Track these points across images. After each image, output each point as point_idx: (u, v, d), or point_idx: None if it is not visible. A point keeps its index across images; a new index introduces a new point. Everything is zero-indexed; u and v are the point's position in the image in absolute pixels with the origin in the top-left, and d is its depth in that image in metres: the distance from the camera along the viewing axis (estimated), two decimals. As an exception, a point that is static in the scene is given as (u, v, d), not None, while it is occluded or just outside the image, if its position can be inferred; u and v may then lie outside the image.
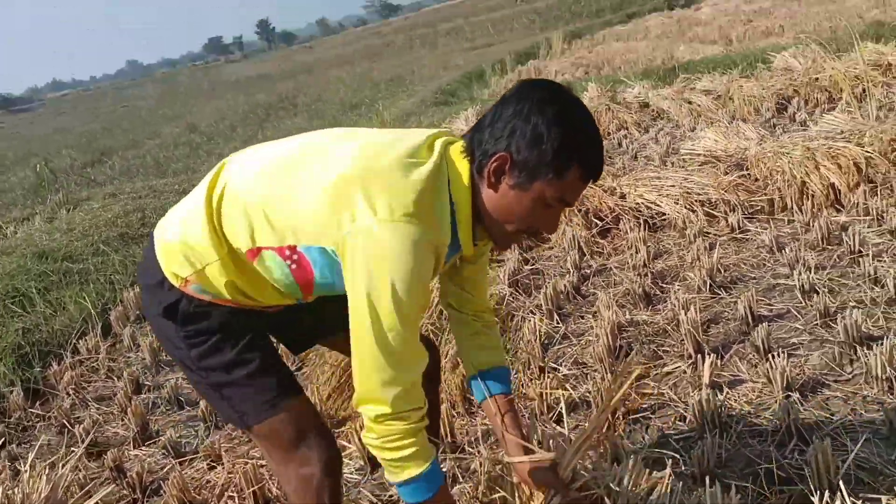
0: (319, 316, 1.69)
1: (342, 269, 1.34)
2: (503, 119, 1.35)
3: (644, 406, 2.56)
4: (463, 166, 1.39)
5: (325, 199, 1.34)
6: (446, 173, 1.38)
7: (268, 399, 1.51)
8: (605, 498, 1.64)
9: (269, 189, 1.41)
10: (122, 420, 3.19)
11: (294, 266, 1.41)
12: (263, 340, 1.58)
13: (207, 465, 2.69)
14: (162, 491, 2.52)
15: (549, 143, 1.32)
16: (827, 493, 1.78)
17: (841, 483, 1.76)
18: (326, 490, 1.52)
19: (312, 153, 1.44)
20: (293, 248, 1.39)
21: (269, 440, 1.55)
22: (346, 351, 1.91)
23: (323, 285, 1.45)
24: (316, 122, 13.84)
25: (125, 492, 2.61)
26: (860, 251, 3.30)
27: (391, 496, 2.33)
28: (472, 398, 2.77)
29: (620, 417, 2.50)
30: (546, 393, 2.62)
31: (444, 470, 1.47)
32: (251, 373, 1.50)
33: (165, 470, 2.72)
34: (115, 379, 3.61)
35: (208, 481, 2.60)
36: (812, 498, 1.74)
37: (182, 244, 1.45)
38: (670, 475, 1.73)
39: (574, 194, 1.41)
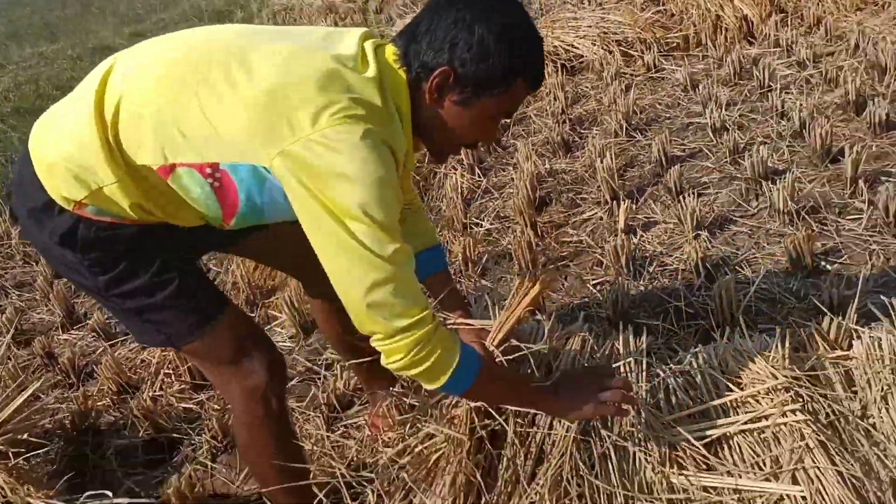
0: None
1: (284, 191, 1.21)
2: (442, 28, 1.25)
3: (563, 254, 2.65)
4: (400, 77, 1.28)
5: (254, 112, 1.18)
6: (388, 84, 1.27)
7: (195, 318, 1.42)
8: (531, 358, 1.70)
9: (180, 99, 1.23)
10: (47, 305, 3.13)
11: (216, 184, 1.26)
12: (179, 255, 1.44)
13: (140, 345, 2.69)
14: (96, 374, 2.54)
15: (496, 58, 1.24)
16: (727, 327, 1.92)
17: (741, 318, 1.89)
18: (274, 399, 1.49)
19: (224, 55, 1.26)
20: (215, 166, 1.24)
21: (203, 358, 1.50)
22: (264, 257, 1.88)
23: (249, 211, 1.31)
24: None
25: (59, 377, 2.61)
26: (769, 85, 3.36)
27: (326, 359, 2.40)
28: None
29: (540, 267, 2.59)
30: (469, 249, 2.68)
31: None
32: (172, 293, 1.38)
33: (97, 353, 2.72)
34: (34, 263, 3.51)
35: (142, 360, 2.62)
36: (713, 333, 1.88)
37: (69, 162, 1.27)
38: (585, 326, 1.81)
39: (518, 104, 1.36)
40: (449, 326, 1.73)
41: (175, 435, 2.23)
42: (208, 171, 1.25)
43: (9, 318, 2.99)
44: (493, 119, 1.33)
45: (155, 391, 2.45)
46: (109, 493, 1.76)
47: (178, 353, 1.50)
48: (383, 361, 1.25)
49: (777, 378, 1.63)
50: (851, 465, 1.47)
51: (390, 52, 1.30)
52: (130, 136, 1.25)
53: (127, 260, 1.36)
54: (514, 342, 1.62)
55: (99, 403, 2.42)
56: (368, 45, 1.29)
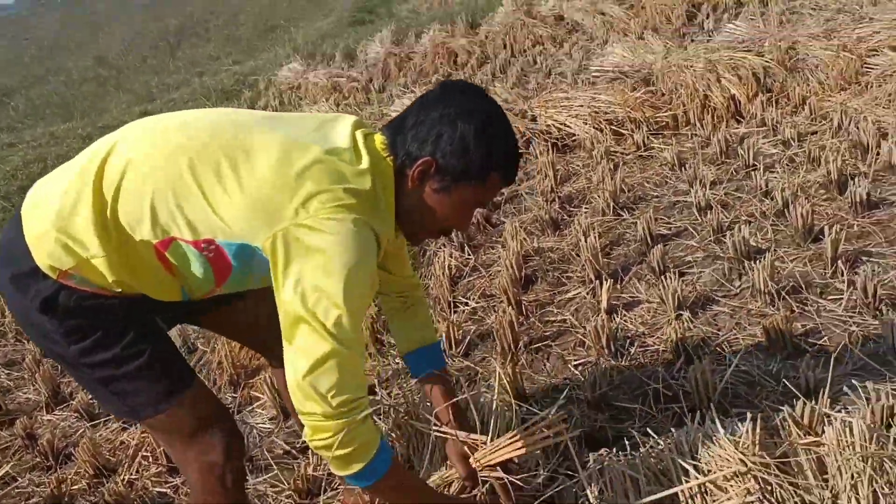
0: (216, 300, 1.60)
1: (269, 266, 1.30)
2: (427, 123, 1.39)
3: (546, 333, 2.64)
4: (387, 164, 1.41)
5: (253, 201, 1.29)
6: (376, 172, 1.38)
7: (161, 391, 1.45)
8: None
9: (185, 182, 1.31)
10: (33, 385, 3.13)
11: (210, 255, 1.35)
12: (152, 328, 1.49)
13: (120, 426, 2.68)
14: (74, 456, 2.52)
15: (475, 153, 1.38)
16: (698, 412, 1.89)
17: (717, 401, 1.87)
18: (230, 475, 1.50)
19: (229, 144, 1.34)
20: (210, 241, 1.33)
21: (164, 431, 1.52)
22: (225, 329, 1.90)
23: (239, 275, 1.40)
24: (229, 47, 13.29)
25: (38, 459, 2.59)
26: (754, 164, 3.40)
27: (303, 443, 2.38)
28: (382, 339, 2.82)
29: (523, 347, 2.58)
30: (453, 328, 2.68)
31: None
32: (141, 365, 1.42)
33: (78, 433, 2.71)
34: (25, 342, 3.53)
35: (122, 442, 2.60)
36: (685, 419, 1.85)
37: (59, 232, 1.32)
38: (567, 428, 1.79)
39: (491, 196, 1.51)
40: (440, 433, 1.75)
41: (146, 521, 2.20)
42: (203, 245, 1.34)
43: (-5, 396, 3.00)
44: (469, 207, 1.46)
45: (131, 474, 2.43)
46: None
47: (143, 425, 1.53)
48: (306, 435, 1.30)
49: (745, 465, 1.60)
50: (820, 560, 1.43)
51: (378, 140, 1.43)
52: (131, 211, 1.33)
53: (102, 330, 1.40)
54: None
55: (74, 487, 2.40)
56: (359, 135, 1.42)
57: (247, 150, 1.33)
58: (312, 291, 1.24)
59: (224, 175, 1.31)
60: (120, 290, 1.38)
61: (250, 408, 2.66)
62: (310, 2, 17.82)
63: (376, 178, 1.37)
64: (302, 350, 1.25)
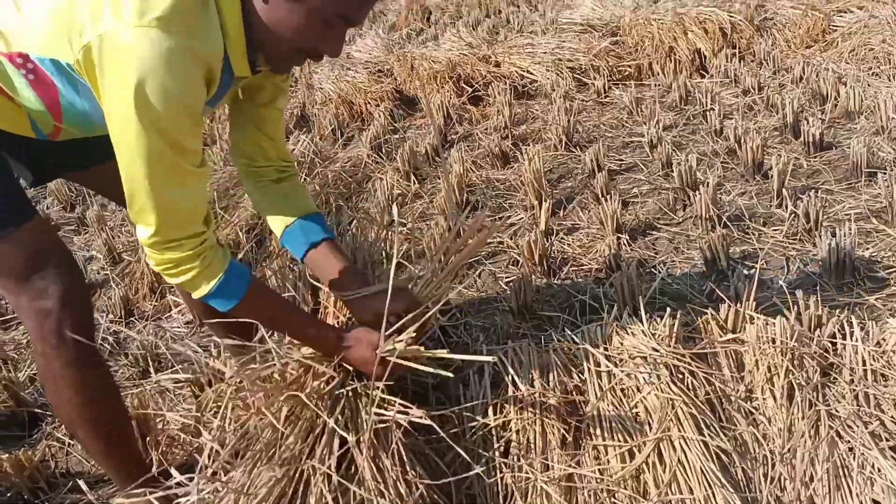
0: (71, 144, 1.46)
1: (92, 90, 1.15)
2: None
3: (481, 252, 2.54)
4: None
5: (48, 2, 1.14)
6: None
7: None
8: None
9: None
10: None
11: (32, 77, 1.20)
12: None
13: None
14: (-26, 351, 2.38)
15: None
16: (626, 313, 1.80)
17: (637, 301, 1.79)
18: (67, 324, 1.35)
19: None
20: (25, 57, 1.18)
21: None
22: (102, 189, 1.74)
23: (73, 111, 1.26)
24: None
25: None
26: (711, 108, 3.32)
27: (216, 344, 2.26)
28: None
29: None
30: (388, 245, 2.57)
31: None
32: None
33: (-16, 332, 2.57)
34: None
35: (30, 342, 2.47)
36: (604, 315, 1.76)
37: None
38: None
39: (356, 9, 1.22)
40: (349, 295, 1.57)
41: (38, 410, 2.07)
42: (18, 60, 1.19)
43: None
44: (329, 22, 1.20)
45: (33, 370, 2.30)
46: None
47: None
48: (149, 260, 1.25)
49: (659, 352, 1.52)
50: (721, 439, 1.35)
51: None
52: None
53: None
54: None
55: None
56: None
57: None
58: (129, 121, 1.10)
59: None
60: None
61: (168, 314, 2.54)
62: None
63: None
64: (128, 181, 1.17)
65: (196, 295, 1.28)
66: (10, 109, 1.28)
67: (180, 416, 1.84)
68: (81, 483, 1.70)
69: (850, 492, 1.32)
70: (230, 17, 1.19)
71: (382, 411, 1.37)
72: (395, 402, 1.38)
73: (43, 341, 1.35)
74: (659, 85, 3.88)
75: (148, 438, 1.80)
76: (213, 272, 1.27)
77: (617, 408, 1.44)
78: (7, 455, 1.78)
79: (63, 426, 1.98)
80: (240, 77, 1.30)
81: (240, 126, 1.55)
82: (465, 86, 4.20)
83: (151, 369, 2.17)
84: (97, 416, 1.41)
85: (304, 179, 3.22)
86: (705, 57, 4.02)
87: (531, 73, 4.23)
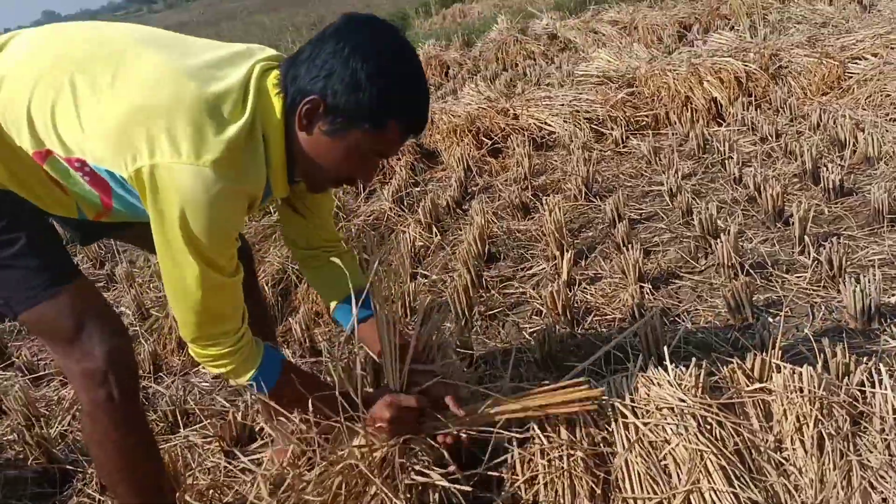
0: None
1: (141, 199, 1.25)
2: (321, 57, 1.25)
3: (504, 304, 2.56)
4: (276, 101, 1.28)
5: (119, 123, 1.20)
6: (260, 111, 1.27)
7: (38, 283, 1.33)
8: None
9: (57, 90, 1.24)
10: (-19, 346, 3.04)
11: (88, 178, 1.29)
12: (34, 215, 1.38)
13: (60, 381, 2.59)
14: (6, 409, 2.42)
15: (366, 93, 1.23)
16: (651, 363, 1.80)
17: (664, 351, 1.79)
18: (114, 385, 1.36)
19: (109, 56, 1.27)
20: (83, 162, 1.26)
21: (43, 330, 1.40)
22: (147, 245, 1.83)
23: (124, 201, 1.33)
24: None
25: (-27, 414, 2.49)
26: (730, 156, 3.35)
27: (245, 400, 2.29)
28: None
29: (479, 315, 2.50)
30: (409, 297, 2.60)
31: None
32: (17, 252, 1.31)
33: (17, 389, 2.60)
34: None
35: (61, 398, 2.51)
36: (629, 365, 1.77)
37: None
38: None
39: (392, 147, 1.35)
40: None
41: (69, 467, 2.09)
42: (77, 164, 1.28)
43: (-64, 356, 2.90)
44: (366, 157, 1.33)
45: (64, 426, 2.33)
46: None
47: (19, 322, 1.43)
48: (192, 353, 1.40)
49: (686, 403, 1.52)
50: (752, 491, 1.34)
51: (273, 77, 1.31)
52: (10, 117, 1.27)
53: None
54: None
55: (2, 437, 2.29)
56: (257, 69, 1.30)
57: (128, 61, 1.26)
58: (174, 245, 1.25)
59: (101, 86, 1.23)
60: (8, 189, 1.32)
61: (195, 368, 2.57)
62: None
63: (258, 119, 1.26)
64: (169, 291, 1.33)
65: (237, 382, 1.43)
66: (59, 196, 1.36)
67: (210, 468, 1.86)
68: (113, 541, 1.71)
69: (887, 544, 1.30)
70: (276, 149, 1.30)
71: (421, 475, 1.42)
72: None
73: (90, 402, 1.37)
74: (676, 134, 3.93)
75: (178, 494, 1.81)
76: (249, 366, 1.41)
77: (645, 459, 1.44)
78: (40, 512, 1.79)
79: (97, 480, 2.00)
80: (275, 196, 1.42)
81: (288, 216, 1.69)
82: (484, 138, 4.27)
83: (180, 424, 2.19)
84: (140, 477, 1.43)
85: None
86: (721, 105, 4.06)
87: (549, 125, 4.30)
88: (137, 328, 2.88)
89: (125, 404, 1.38)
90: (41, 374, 2.71)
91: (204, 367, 1.41)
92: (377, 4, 18.80)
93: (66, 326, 1.35)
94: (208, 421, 2.15)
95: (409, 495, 1.46)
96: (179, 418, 2.20)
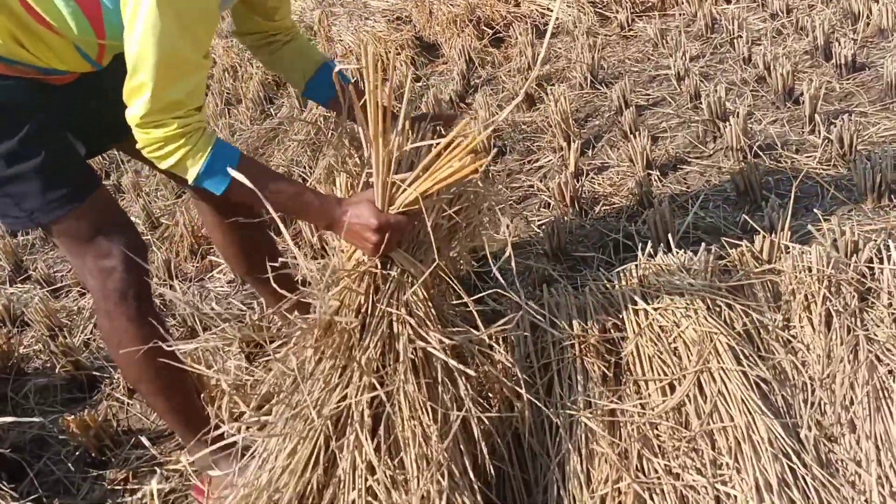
0: (114, 109, 1.53)
1: None
2: None
3: (512, 197, 2.56)
4: None
5: None
6: None
7: (60, 195, 1.38)
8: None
9: None
10: (-1, 263, 3.09)
11: None
12: (51, 129, 1.42)
13: (78, 292, 2.64)
14: (29, 321, 2.48)
15: None
16: (661, 249, 1.82)
17: (669, 238, 1.80)
18: (129, 281, 1.43)
19: None
20: None
21: (63, 235, 1.44)
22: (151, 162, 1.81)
23: (110, 19, 1.29)
24: None
25: (-5, 326, 2.56)
26: (739, 36, 3.24)
27: (260, 302, 2.33)
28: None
29: (486, 210, 2.49)
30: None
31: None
32: (39, 166, 1.35)
33: (37, 301, 2.66)
34: (-9, 225, 3.47)
35: (80, 308, 2.57)
36: (638, 253, 1.78)
37: None
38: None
39: None
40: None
41: (96, 373, 2.16)
42: None
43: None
44: None
45: (87, 335, 2.39)
46: None
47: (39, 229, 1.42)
48: (138, 140, 1.27)
49: (694, 287, 1.54)
50: (761, 369, 1.37)
51: None
52: None
53: None
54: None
55: (28, 348, 2.36)
56: None
57: None
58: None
59: None
60: (8, 54, 1.30)
61: (210, 274, 2.61)
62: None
63: None
64: (130, 57, 1.21)
65: (189, 178, 1.29)
66: (56, 42, 1.33)
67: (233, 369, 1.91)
68: (144, 439, 1.79)
69: (891, 413, 1.34)
70: None
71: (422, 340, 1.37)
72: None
73: (106, 299, 1.43)
74: (684, 14, 3.79)
75: (202, 394, 1.88)
76: (200, 150, 1.28)
77: (655, 343, 1.47)
78: (72, 417, 1.87)
79: (124, 384, 2.07)
80: None
81: (243, 14, 1.62)
82: (485, 28, 4.13)
83: (199, 328, 2.25)
84: (158, 371, 1.47)
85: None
86: (731, -19, 3.90)
87: (551, 11, 4.15)
88: (149, 237, 2.90)
89: (139, 300, 1.44)
90: (59, 285, 2.76)
91: (151, 157, 1.28)
92: None
93: (84, 233, 1.40)
94: (226, 324, 2.20)
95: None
96: (197, 323, 2.25)
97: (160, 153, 1.27)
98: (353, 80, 1.58)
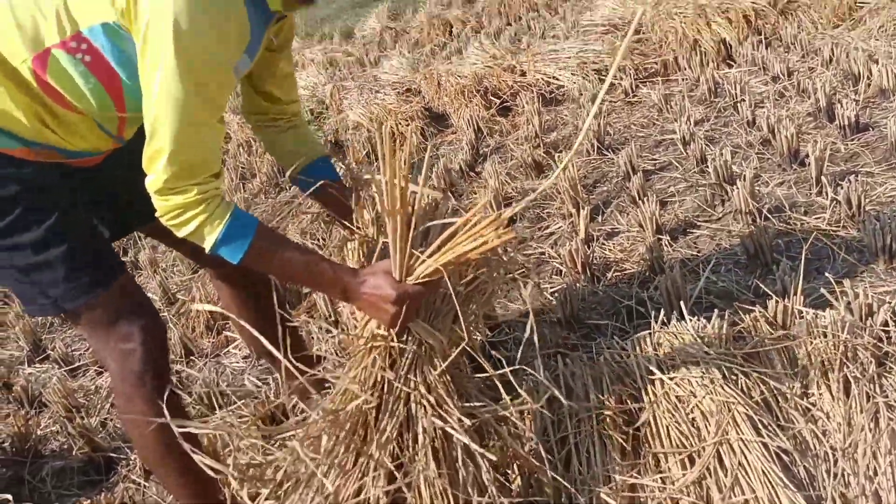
0: (136, 189, 1.57)
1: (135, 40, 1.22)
2: None
3: (525, 266, 2.57)
4: None
5: None
6: None
7: (85, 282, 1.40)
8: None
9: None
10: (17, 342, 3.11)
11: (88, 59, 1.27)
12: (76, 214, 1.44)
13: (95, 371, 2.66)
14: (46, 401, 2.49)
15: None
16: (674, 316, 1.82)
17: (682, 305, 1.80)
18: (149, 366, 1.44)
19: None
20: (77, 35, 1.26)
21: (86, 321, 1.46)
22: (168, 239, 1.80)
23: (130, 91, 1.32)
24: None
25: (14, 408, 2.57)
26: (741, 99, 3.30)
27: (276, 378, 2.33)
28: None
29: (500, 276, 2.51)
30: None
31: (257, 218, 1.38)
32: (64, 253, 1.37)
33: (55, 381, 2.68)
34: (11, 302, 3.51)
35: (97, 387, 2.58)
36: (651, 320, 1.78)
37: None
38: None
39: None
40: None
41: (112, 454, 2.16)
42: (73, 45, 1.27)
43: (-26, 354, 2.98)
44: None
45: (104, 415, 2.40)
46: None
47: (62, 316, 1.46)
48: (157, 208, 1.29)
49: (710, 355, 1.54)
50: (781, 439, 1.36)
51: None
52: (1, 35, 1.27)
53: (22, 207, 1.35)
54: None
55: (45, 429, 2.37)
56: None
57: None
58: (161, 59, 1.18)
59: None
60: (33, 136, 1.33)
61: (225, 350, 2.62)
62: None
63: None
64: (148, 124, 1.24)
65: (206, 247, 1.30)
66: (77, 121, 1.37)
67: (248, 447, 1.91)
68: (161, 522, 1.78)
69: (917, 482, 1.32)
70: None
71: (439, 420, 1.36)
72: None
73: (124, 380, 1.45)
74: (686, 79, 3.87)
75: (219, 476, 1.87)
76: (217, 218, 1.29)
77: (673, 414, 1.46)
78: (88, 500, 1.86)
79: (141, 465, 2.06)
80: (269, 17, 1.37)
81: (250, 95, 1.67)
82: (492, 98, 4.23)
83: (216, 405, 2.25)
84: (175, 452, 1.47)
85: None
86: (731, 46, 3.99)
87: (557, 79, 4.25)
88: (165, 313, 2.93)
89: (157, 381, 1.45)
90: (76, 365, 2.78)
91: (170, 225, 1.29)
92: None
93: (106, 316, 1.42)
94: (242, 402, 2.20)
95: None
96: (214, 400, 2.26)
97: (178, 220, 1.28)
98: (341, 178, 1.64)
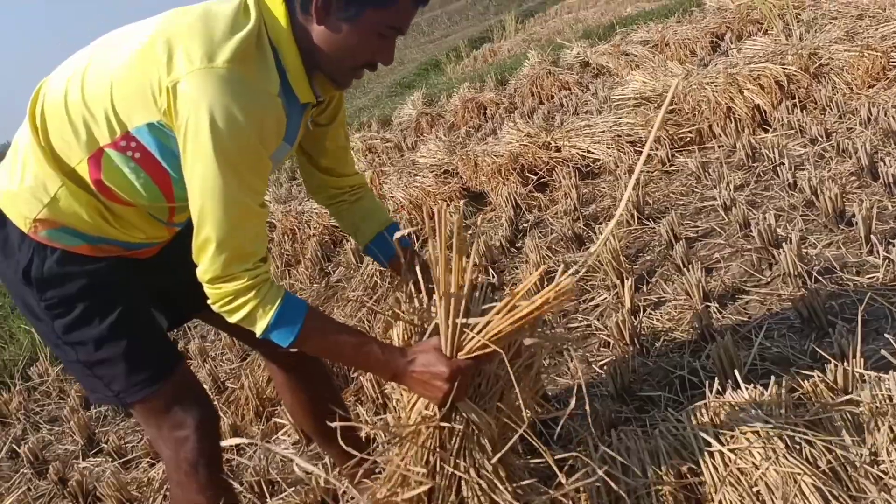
0: (190, 277, 1.61)
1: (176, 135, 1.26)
2: None
3: (570, 339, 2.55)
4: (278, 10, 1.31)
5: (135, 62, 1.26)
6: (265, 21, 1.30)
7: (145, 377, 1.44)
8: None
9: (87, 82, 1.31)
10: (72, 436, 3.16)
11: (137, 156, 1.32)
12: (136, 307, 1.47)
13: (148, 462, 2.67)
14: (101, 495, 2.50)
15: None
16: (729, 385, 1.77)
17: (737, 373, 1.75)
18: (202, 454, 1.46)
19: (120, 36, 1.35)
20: (126, 135, 1.31)
21: (141, 410, 1.50)
22: (224, 326, 1.87)
23: (177, 182, 1.36)
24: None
25: (69, 502, 2.58)
26: (780, 162, 3.29)
27: (325, 463, 2.31)
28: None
29: (545, 354, 2.49)
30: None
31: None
32: (125, 350, 1.41)
33: (108, 474, 2.69)
34: (67, 399, 3.58)
35: (150, 479, 2.58)
36: (706, 390, 1.74)
37: (22, 183, 1.36)
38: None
39: (405, 19, 1.35)
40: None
41: (166, 546, 2.15)
42: (122, 143, 1.32)
43: (31, 448, 3.02)
44: (382, 36, 1.33)
45: (156, 507, 2.40)
46: None
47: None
48: (209, 296, 1.31)
49: (770, 424, 1.48)
50: (853, 510, 1.29)
51: None
52: (57, 135, 1.34)
53: (84, 303, 1.39)
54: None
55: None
56: None
57: (135, 29, 1.34)
58: (200, 156, 1.23)
59: (115, 56, 1.31)
60: (92, 232, 1.38)
61: (275, 436, 2.62)
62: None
63: (264, 29, 1.29)
64: (194, 216, 1.28)
65: (258, 332, 1.32)
66: (131, 214, 1.42)
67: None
68: None
69: None
70: (290, 56, 1.32)
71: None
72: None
73: (178, 469, 1.46)
74: (722, 146, 3.88)
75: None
76: (269, 303, 1.31)
77: (736, 487, 1.41)
78: None
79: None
80: (306, 104, 1.42)
81: (308, 169, 1.71)
82: (529, 174, 4.29)
83: (266, 494, 2.23)
84: None
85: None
86: (765, 112, 4.01)
87: (592, 153, 4.30)
88: (216, 401, 2.95)
89: (210, 469, 1.47)
90: (130, 457, 2.80)
91: (222, 312, 1.32)
92: (410, 59, 19.20)
93: (163, 406, 1.45)
94: (292, 489, 2.18)
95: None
96: (265, 488, 2.24)
97: (230, 307, 1.31)
98: (411, 245, 1.65)
